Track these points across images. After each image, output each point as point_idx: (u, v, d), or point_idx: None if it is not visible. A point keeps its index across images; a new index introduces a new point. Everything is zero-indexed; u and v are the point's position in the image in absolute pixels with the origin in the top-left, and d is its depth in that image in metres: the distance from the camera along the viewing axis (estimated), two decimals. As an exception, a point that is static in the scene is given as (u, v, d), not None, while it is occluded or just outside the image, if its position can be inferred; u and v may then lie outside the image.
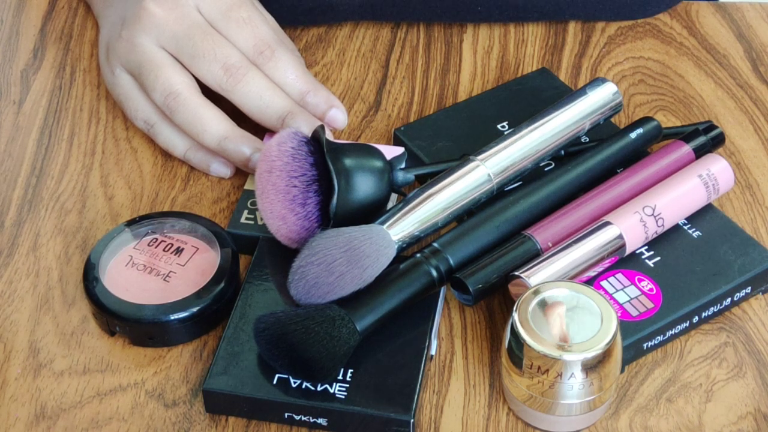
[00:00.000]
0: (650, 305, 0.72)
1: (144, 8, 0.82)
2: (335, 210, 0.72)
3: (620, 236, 0.73)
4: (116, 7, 0.87)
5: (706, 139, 0.79)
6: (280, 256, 0.73)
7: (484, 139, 0.79)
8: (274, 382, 0.68)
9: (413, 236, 0.73)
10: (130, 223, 0.77)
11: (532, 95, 0.85)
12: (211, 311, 0.73)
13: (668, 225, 0.75)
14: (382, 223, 0.72)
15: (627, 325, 0.70)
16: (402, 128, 0.83)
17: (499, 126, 0.83)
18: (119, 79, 0.84)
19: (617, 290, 0.72)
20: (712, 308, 0.73)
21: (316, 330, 0.67)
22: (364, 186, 0.73)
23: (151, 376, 0.72)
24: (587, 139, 0.81)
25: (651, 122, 0.80)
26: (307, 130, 0.79)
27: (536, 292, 0.68)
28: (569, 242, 0.72)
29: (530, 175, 0.77)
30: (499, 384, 0.71)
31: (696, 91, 0.89)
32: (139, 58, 0.82)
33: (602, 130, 0.81)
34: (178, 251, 0.76)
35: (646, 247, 0.75)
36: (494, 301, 0.75)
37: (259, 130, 0.83)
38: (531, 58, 0.92)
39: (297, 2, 0.92)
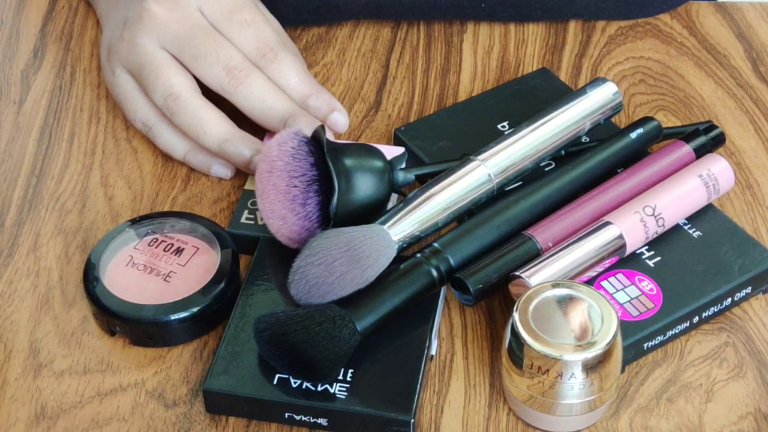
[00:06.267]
0: (650, 305, 0.72)
1: (146, 9, 0.82)
2: (335, 210, 0.72)
3: (620, 236, 0.73)
4: (119, 8, 0.87)
5: (706, 139, 0.79)
6: (281, 256, 0.73)
7: (484, 139, 0.79)
8: (275, 382, 0.68)
9: (413, 236, 0.73)
10: (131, 223, 0.77)
11: (532, 95, 0.85)
12: (211, 311, 0.73)
13: (668, 225, 0.75)
14: (383, 223, 0.72)
15: (627, 325, 0.70)
16: (402, 128, 0.83)
17: (499, 126, 0.83)
18: (119, 79, 0.84)
19: (617, 290, 0.72)
20: (712, 308, 0.73)
21: (316, 330, 0.67)
22: (365, 186, 0.73)
23: (151, 376, 0.72)
24: (587, 139, 0.81)
25: (651, 122, 0.80)
26: (309, 133, 0.79)
27: (537, 292, 0.68)
28: (569, 242, 0.72)
29: (530, 175, 0.77)
30: (499, 384, 0.71)
31: (696, 91, 0.89)
32: (140, 58, 0.82)
33: (602, 130, 0.81)
34: (179, 251, 0.76)
35: (646, 247, 0.75)
36: (494, 301, 0.75)
37: (258, 130, 0.83)
38: (531, 58, 0.92)
39: (302, 2, 0.92)
